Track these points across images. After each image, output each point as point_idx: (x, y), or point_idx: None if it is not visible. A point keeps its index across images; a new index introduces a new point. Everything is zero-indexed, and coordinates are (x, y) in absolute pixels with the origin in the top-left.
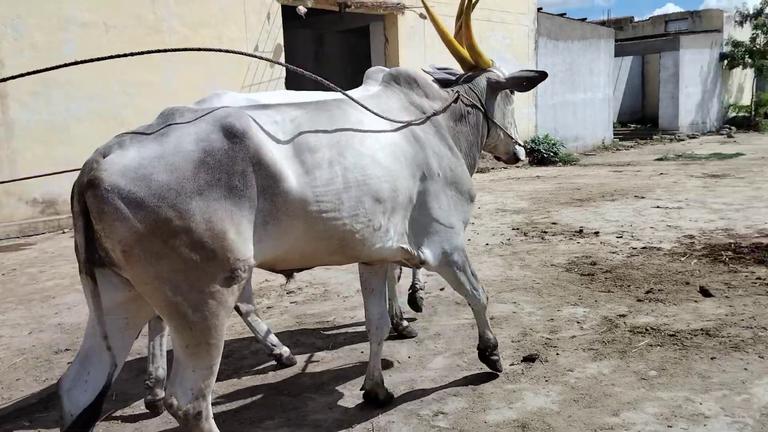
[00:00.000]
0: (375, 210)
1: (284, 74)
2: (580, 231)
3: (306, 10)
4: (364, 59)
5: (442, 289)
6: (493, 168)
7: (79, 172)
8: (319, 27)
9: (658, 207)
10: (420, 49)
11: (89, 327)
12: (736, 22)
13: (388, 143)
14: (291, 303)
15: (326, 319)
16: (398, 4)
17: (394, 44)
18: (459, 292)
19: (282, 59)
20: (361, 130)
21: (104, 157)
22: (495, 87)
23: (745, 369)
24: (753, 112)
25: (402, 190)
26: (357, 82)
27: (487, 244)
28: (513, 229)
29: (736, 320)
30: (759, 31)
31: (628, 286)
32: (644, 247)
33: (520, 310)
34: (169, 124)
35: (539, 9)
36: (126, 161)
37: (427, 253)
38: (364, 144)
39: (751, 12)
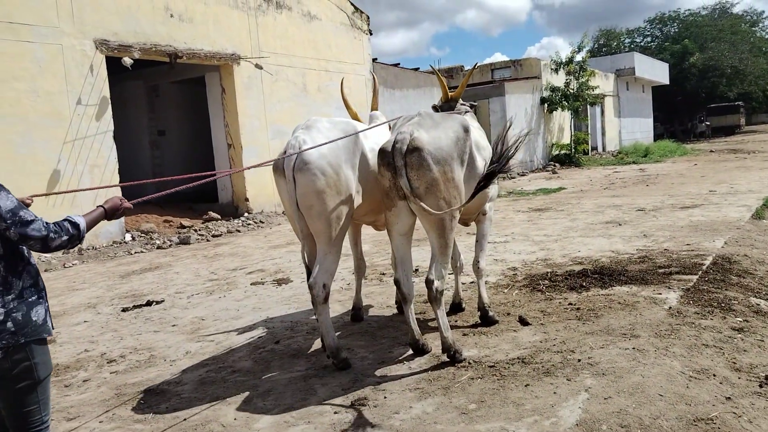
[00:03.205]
0: None
1: (111, 128)
2: (416, 270)
3: (132, 61)
4: (202, 109)
5: (276, 342)
6: None
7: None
8: (152, 78)
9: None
10: (259, 99)
11: (397, 242)
12: (552, 69)
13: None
14: (111, 373)
15: (149, 387)
16: (233, 54)
17: (231, 94)
18: (484, 237)
19: (109, 112)
20: (481, 139)
21: (411, 135)
22: None
23: (555, 393)
24: (573, 150)
25: None
26: (196, 131)
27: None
28: (352, 273)
29: (549, 346)
30: (571, 77)
31: (456, 321)
32: (472, 282)
33: (353, 356)
34: (421, 121)
35: (374, 59)
36: (426, 138)
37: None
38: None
39: (564, 60)
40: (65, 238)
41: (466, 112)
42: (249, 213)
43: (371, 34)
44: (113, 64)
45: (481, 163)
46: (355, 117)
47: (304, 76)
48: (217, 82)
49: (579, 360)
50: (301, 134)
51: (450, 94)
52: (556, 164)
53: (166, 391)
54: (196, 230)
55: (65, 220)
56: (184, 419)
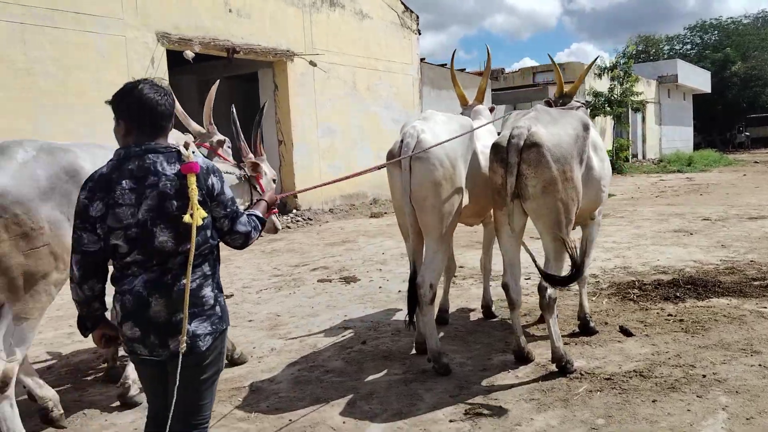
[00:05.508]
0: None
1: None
2: (528, 278)
3: (194, 54)
4: (254, 106)
5: (363, 343)
6: (384, 213)
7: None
8: (206, 73)
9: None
10: (310, 96)
11: (506, 245)
12: (595, 74)
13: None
14: None
15: (242, 384)
16: (288, 51)
17: (284, 91)
18: (591, 242)
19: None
20: (598, 138)
21: (529, 130)
22: None
23: (688, 410)
24: (614, 157)
25: None
26: (245, 127)
27: (399, 291)
28: None
29: (664, 359)
30: (615, 83)
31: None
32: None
33: (450, 361)
34: (539, 116)
35: (422, 59)
36: (545, 134)
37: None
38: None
39: (608, 65)
40: (257, 235)
41: (578, 107)
42: (297, 210)
43: (420, 33)
44: (170, 58)
45: (598, 164)
46: (461, 96)
47: (354, 75)
48: (270, 79)
49: (704, 375)
50: (419, 124)
51: (565, 89)
52: None
53: (262, 389)
54: None
55: (250, 214)
56: (290, 420)
